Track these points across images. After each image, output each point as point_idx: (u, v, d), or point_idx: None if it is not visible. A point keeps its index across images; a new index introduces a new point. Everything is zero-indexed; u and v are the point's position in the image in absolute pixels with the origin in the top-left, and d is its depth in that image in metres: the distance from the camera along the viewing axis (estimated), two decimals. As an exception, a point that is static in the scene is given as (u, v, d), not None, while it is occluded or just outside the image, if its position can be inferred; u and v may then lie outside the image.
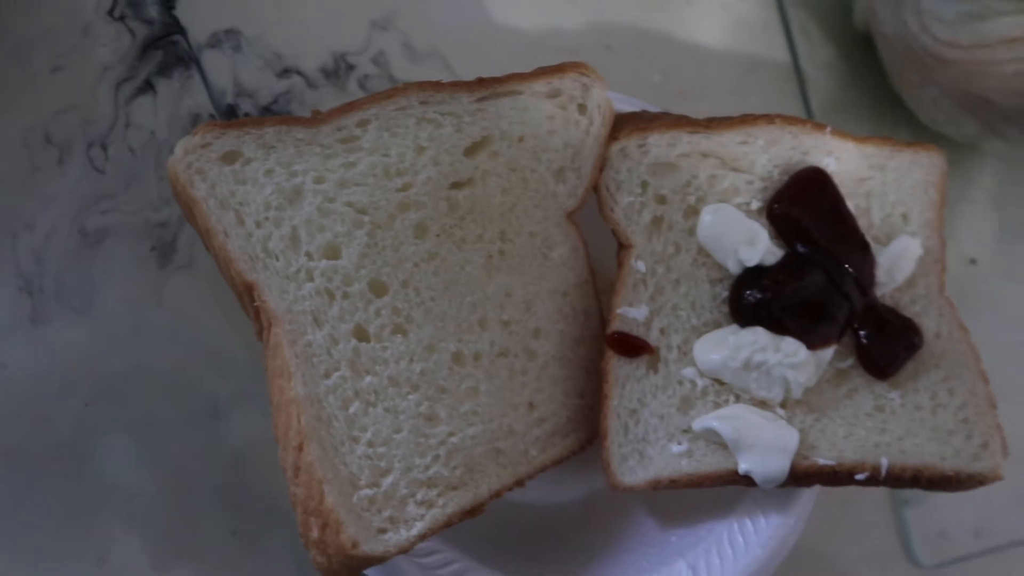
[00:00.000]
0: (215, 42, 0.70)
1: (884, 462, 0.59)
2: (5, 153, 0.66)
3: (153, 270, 0.67)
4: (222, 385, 0.67)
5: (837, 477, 0.59)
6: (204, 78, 0.69)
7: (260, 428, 0.66)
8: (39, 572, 0.64)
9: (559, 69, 0.60)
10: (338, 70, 0.71)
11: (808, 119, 0.65)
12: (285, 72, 0.71)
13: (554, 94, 0.60)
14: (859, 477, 0.59)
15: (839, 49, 0.78)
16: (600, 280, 0.63)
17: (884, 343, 0.61)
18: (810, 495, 0.62)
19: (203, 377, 0.67)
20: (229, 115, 0.69)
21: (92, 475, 0.65)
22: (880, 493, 0.75)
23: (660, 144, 0.61)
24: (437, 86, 0.58)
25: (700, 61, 0.77)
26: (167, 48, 0.69)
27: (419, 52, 0.73)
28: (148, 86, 0.69)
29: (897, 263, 0.63)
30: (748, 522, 0.62)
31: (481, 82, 0.59)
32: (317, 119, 0.56)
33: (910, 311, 0.63)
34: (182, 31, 0.69)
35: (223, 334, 0.67)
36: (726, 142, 0.62)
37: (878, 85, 0.77)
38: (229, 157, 0.54)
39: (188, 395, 0.66)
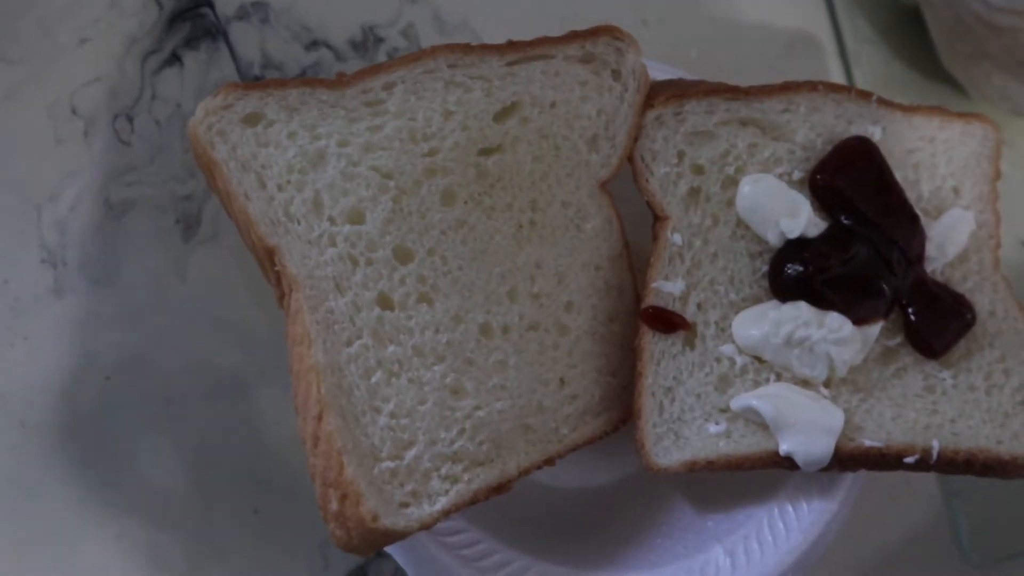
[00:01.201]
0: (242, 14, 0.69)
1: (935, 445, 0.56)
2: (30, 125, 0.66)
3: (177, 243, 0.66)
4: (245, 361, 0.66)
5: (885, 461, 0.56)
6: (231, 50, 0.68)
7: (283, 405, 0.65)
8: (57, 546, 0.63)
9: (592, 33, 0.59)
10: (367, 42, 0.70)
11: (852, 87, 0.62)
12: (313, 44, 0.69)
13: (587, 59, 0.59)
14: (908, 461, 0.56)
15: (884, 22, 0.75)
16: (634, 254, 0.61)
17: (934, 320, 0.59)
18: (855, 481, 0.60)
19: (226, 353, 0.66)
20: (255, 88, 0.68)
21: (113, 450, 0.64)
22: (929, 484, 0.72)
23: (697, 112, 0.59)
24: (466, 49, 0.56)
25: (738, 35, 0.75)
26: (194, 20, 0.68)
27: (449, 25, 0.71)
28: (175, 58, 0.68)
29: (949, 237, 0.60)
30: (789, 508, 0.60)
31: (512, 45, 0.57)
32: (342, 81, 0.55)
33: (962, 288, 0.61)
34: (209, 3, 0.69)
35: (246, 310, 0.66)
36: (766, 110, 0.60)
37: (925, 59, 0.74)
38: (251, 119, 0.53)
39: (210, 370, 0.65)
